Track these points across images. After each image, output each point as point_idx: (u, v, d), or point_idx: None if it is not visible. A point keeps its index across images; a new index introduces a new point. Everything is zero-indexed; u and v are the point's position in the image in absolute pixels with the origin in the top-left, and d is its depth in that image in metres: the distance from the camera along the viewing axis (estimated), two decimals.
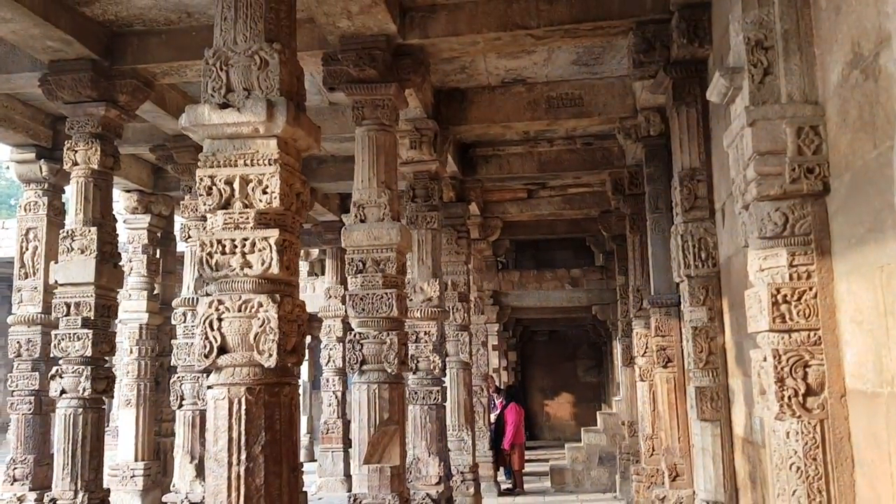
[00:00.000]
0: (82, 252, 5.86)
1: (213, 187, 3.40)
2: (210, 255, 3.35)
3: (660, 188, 7.19)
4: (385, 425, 5.41)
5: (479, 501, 9.31)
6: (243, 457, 3.21)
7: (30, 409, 7.63)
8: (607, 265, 13.40)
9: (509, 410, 11.85)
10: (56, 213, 8.15)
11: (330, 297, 11.86)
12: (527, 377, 19.11)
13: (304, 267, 15.90)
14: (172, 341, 8.09)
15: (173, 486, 7.53)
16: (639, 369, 8.86)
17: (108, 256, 5.98)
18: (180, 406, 7.53)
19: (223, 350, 3.30)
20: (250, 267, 3.33)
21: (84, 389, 5.70)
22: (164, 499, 7.62)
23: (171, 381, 7.62)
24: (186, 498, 7.35)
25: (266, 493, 3.20)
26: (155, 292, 10.10)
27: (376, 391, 5.45)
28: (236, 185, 3.39)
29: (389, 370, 5.45)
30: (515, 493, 11.16)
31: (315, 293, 12.74)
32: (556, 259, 16.64)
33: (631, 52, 5.49)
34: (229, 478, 3.19)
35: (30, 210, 8.01)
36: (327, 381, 11.79)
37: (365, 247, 5.55)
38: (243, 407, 3.24)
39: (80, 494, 5.61)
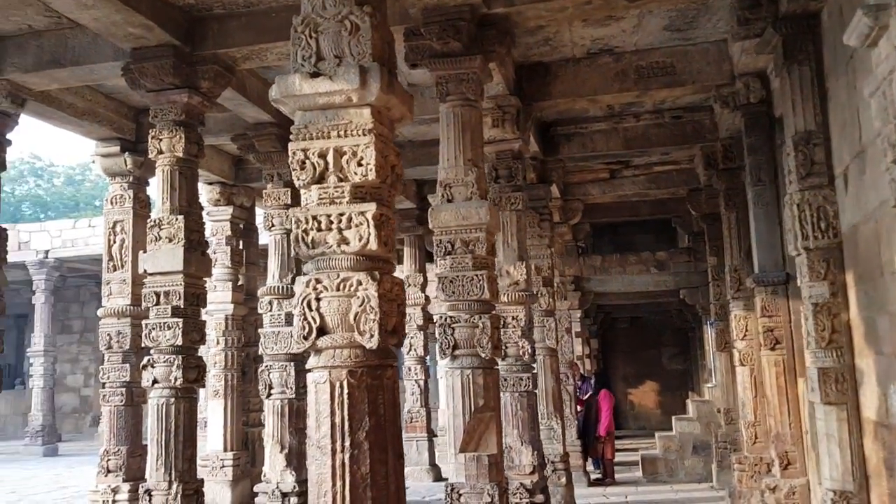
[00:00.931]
0: (170, 241, 5.81)
1: (307, 161, 3.21)
2: (306, 232, 3.17)
3: (761, 159, 6.76)
4: (480, 412, 5.19)
5: (571, 492, 9.02)
6: (347, 444, 3.02)
7: (121, 401, 7.71)
8: (695, 247, 12.86)
9: (603, 397, 11.49)
10: (142, 206, 8.21)
11: (409, 285, 11.72)
12: (609, 365, 18.63)
13: None
14: (259, 331, 8.05)
15: (264, 475, 7.49)
16: (738, 354, 8.40)
17: (195, 244, 5.92)
18: (269, 395, 7.48)
19: (322, 331, 3.12)
20: (347, 243, 3.13)
21: (175, 379, 5.66)
22: (255, 489, 7.59)
23: (259, 370, 7.57)
24: (277, 488, 7.30)
25: (372, 482, 3.01)
26: (239, 283, 10.13)
27: (470, 377, 5.23)
28: (330, 158, 3.20)
29: (483, 355, 5.22)
30: (606, 483, 10.82)
31: None
32: (637, 243, 16.14)
33: (735, 8, 5.11)
34: (333, 466, 3.01)
35: (116, 203, 8.09)
36: (409, 369, 11.67)
37: (453, 227, 5.33)
38: (345, 391, 3.05)
39: (175, 485, 5.57)
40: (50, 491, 12.04)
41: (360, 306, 3.09)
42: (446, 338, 5.27)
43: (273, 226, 7.78)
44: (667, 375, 19.30)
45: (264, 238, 12.55)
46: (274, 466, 7.42)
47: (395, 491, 3.08)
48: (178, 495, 5.55)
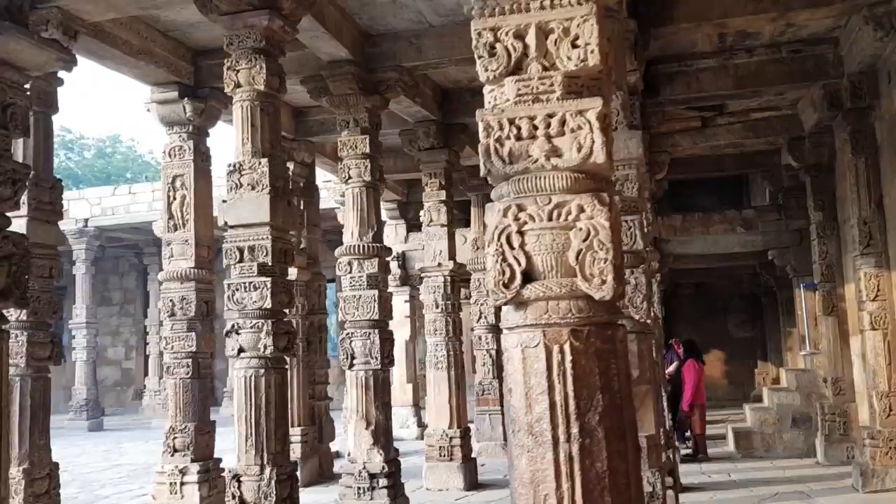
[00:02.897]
0: (253, 188, 5.00)
1: (497, 44, 2.35)
2: (499, 141, 2.32)
3: None
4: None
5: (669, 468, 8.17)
6: (575, 430, 2.19)
7: (188, 373, 7.01)
8: (786, 203, 11.84)
9: (687, 368, 10.61)
10: (203, 159, 7.43)
11: (477, 248, 10.86)
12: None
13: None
14: (339, 294, 7.26)
15: (348, 454, 6.75)
16: (869, 316, 7.48)
17: (281, 193, 5.11)
18: (351, 365, 6.69)
19: (529, 277, 2.27)
20: (560, 156, 2.27)
21: (265, 347, 4.88)
22: (337, 468, 6.85)
23: (340, 338, 6.79)
24: (364, 468, 6.53)
25: (611, 484, 2.18)
26: (301, 246, 9.34)
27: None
28: (531, 40, 2.33)
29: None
30: (699, 459, 9.97)
31: (463, 245, 11.73)
32: (697, 204, 15.09)
33: None
34: (556, 460, 2.18)
35: (174, 156, 7.31)
36: (480, 338, 10.87)
37: None
38: (567, 357, 2.21)
39: (268, 469, 4.81)
40: (103, 469, 11.45)
41: (583, 241, 2.23)
42: None
43: (350, 177, 6.93)
44: (734, 344, 18.32)
45: (325, 199, 11.80)
46: (360, 444, 6.66)
47: (636, 497, 2.24)
48: (272, 481, 4.79)
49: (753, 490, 7.94)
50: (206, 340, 7.20)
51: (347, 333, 6.77)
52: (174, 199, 7.24)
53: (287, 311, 5.17)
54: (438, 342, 8.66)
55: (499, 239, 2.30)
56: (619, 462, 2.21)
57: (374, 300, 6.69)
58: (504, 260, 2.28)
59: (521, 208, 2.28)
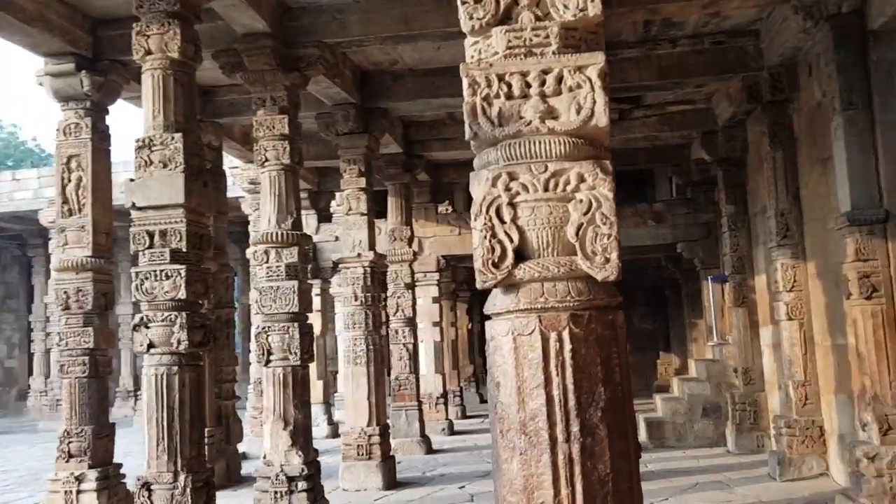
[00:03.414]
0: (165, 166, 4.52)
1: None
2: (487, 100, 2.03)
3: (854, 79, 5.84)
4: None
5: None
6: (575, 428, 1.92)
7: (84, 372, 6.41)
8: (695, 197, 12.05)
9: None
10: (101, 139, 6.80)
11: (395, 239, 10.54)
12: None
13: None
14: (254, 287, 6.80)
15: (264, 456, 6.30)
16: (786, 307, 7.60)
17: (196, 171, 4.64)
18: (268, 362, 6.24)
19: (521, 255, 1.99)
20: (556, 118, 2.01)
21: (178, 342, 4.41)
22: (246, 471, 6.40)
23: (256, 332, 6.33)
24: (282, 471, 6.11)
25: (614, 488, 1.93)
26: None
27: None
28: None
29: None
30: None
31: (379, 236, 11.36)
32: None
33: None
34: (554, 464, 1.91)
35: (69, 134, 6.66)
36: (397, 332, 10.53)
37: None
38: (567, 346, 1.94)
39: (182, 476, 4.35)
40: None
41: (584, 215, 1.97)
42: None
43: (267, 160, 6.47)
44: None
45: (230, 189, 11.18)
46: (277, 446, 6.23)
47: (638, 498, 2.00)
48: (187, 489, 4.33)
49: (672, 481, 7.95)
50: (105, 336, 6.61)
51: (264, 328, 6.32)
52: (69, 181, 6.60)
53: (202, 302, 4.71)
54: (357, 336, 8.29)
55: (487, 212, 2.01)
56: (623, 463, 1.96)
57: (294, 292, 6.27)
58: (493, 236, 2.00)
59: (512, 177, 2.00)
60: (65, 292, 6.41)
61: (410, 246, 10.62)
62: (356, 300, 8.39)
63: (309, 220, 12.70)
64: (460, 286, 16.50)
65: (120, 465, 6.70)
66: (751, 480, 7.70)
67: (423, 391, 11.79)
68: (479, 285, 2.02)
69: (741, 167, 9.73)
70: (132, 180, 4.56)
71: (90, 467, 6.34)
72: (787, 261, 7.62)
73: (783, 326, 7.73)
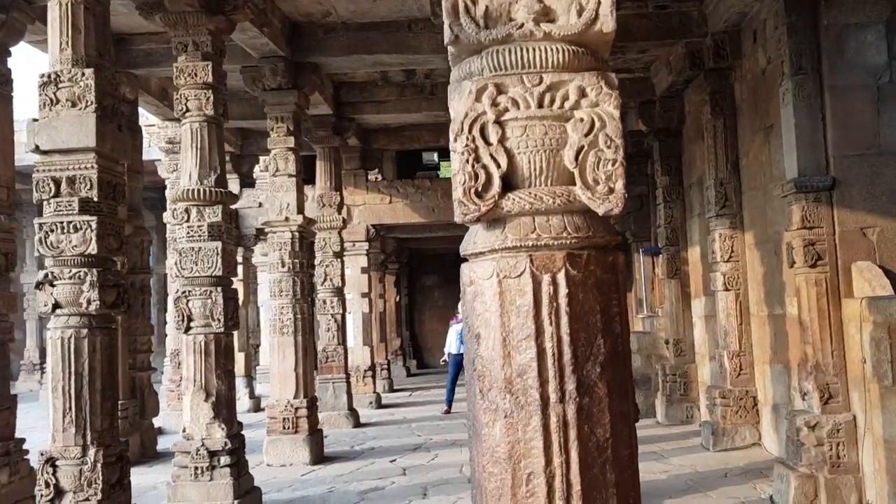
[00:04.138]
0: (74, 105, 4.02)
1: None
2: None
3: (804, 43, 5.73)
4: None
5: None
6: (571, 386, 1.63)
7: None
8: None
9: None
10: (3, 82, 6.17)
11: (324, 205, 10.10)
12: None
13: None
14: (171, 248, 6.31)
15: (183, 430, 5.85)
16: (723, 277, 7.56)
17: (110, 113, 4.15)
18: (188, 329, 5.78)
19: (509, 184, 1.68)
20: (553, 20, 1.69)
21: (89, 301, 3.94)
22: (172, 447, 5.94)
23: (175, 297, 5.85)
24: (203, 445, 5.68)
25: (614, 455, 1.65)
26: None
27: None
28: None
29: None
30: None
31: (307, 202, 10.88)
32: None
33: None
34: (546, 427, 1.62)
35: None
36: (324, 302, 10.12)
37: None
38: (562, 290, 1.65)
39: (92, 450, 3.91)
40: None
41: (585, 136, 1.67)
42: None
43: (188, 110, 5.95)
44: None
45: (148, 150, 10.52)
46: (197, 418, 5.78)
47: (636, 472, 1.72)
48: (98, 464, 3.90)
49: None
50: (5, 300, 6.02)
51: (184, 292, 5.84)
52: None
53: (115, 259, 4.23)
54: (284, 304, 7.86)
55: (470, 131, 1.68)
56: (623, 427, 1.69)
57: (217, 253, 5.81)
58: (477, 160, 1.67)
59: (500, 90, 1.68)
60: None
61: (340, 213, 10.21)
62: (283, 266, 7.96)
63: (231, 186, 12.10)
64: (389, 257, 16.14)
65: (22, 441, 6.14)
66: (684, 451, 7.67)
67: (351, 364, 11.44)
68: (458, 219, 1.70)
69: (677, 138, 9.68)
70: (35, 120, 4.04)
71: None
72: (725, 231, 7.57)
73: (719, 297, 7.69)
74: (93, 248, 3.95)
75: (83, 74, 4.02)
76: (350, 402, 10.22)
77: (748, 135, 7.34)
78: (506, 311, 1.66)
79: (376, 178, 13.25)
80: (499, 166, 1.67)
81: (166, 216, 8.70)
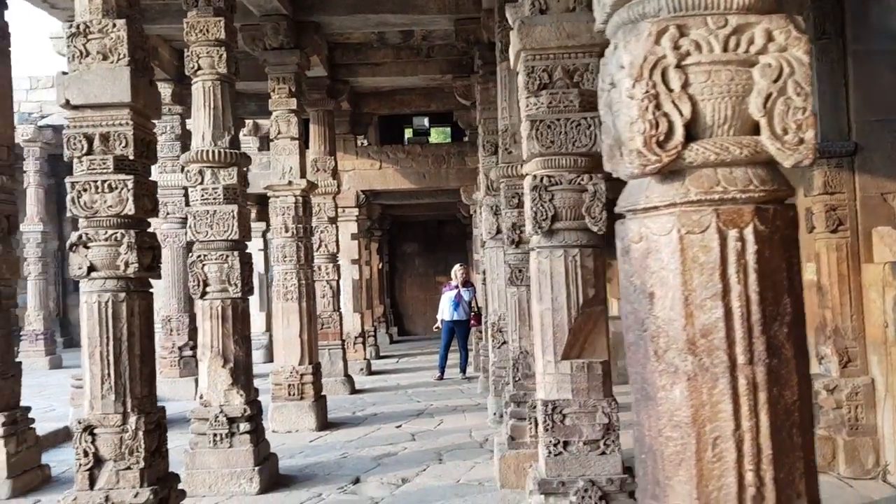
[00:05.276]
0: (105, 58, 3.81)
1: None
2: None
3: (827, 8, 5.69)
4: (589, 306, 3.82)
5: None
6: (760, 348, 1.56)
7: None
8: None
9: None
10: (0, 36, 5.86)
11: (317, 170, 9.90)
12: None
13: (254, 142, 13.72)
14: (186, 209, 6.14)
15: (201, 397, 5.73)
16: None
17: (141, 67, 3.95)
18: (204, 294, 5.62)
19: (691, 133, 1.59)
20: None
21: (126, 264, 3.78)
22: (189, 414, 5.81)
23: (190, 262, 5.67)
24: (222, 412, 5.56)
25: (800, 420, 1.59)
26: None
27: (577, 259, 3.82)
28: None
29: (594, 227, 3.82)
30: None
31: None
32: None
33: None
34: (734, 390, 1.55)
35: None
36: (320, 268, 9.97)
37: (553, 49, 3.80)
38: (750, 246, 1.57)
39: (133, 418, 3.78)
40: None
41: (773, 83, 1.57)
42: (542, 206, 3.81)
43: (200, 68, 5.73)
44: None
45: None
46: (215, 385, 5.65)
47: (812, 437, 1.67)
48: (139, 432, 3.77)
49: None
50: (9, 264, 5.80)
51: (199, 256, 5.68)
52: None
53: (149, 220, 4.06)
54: (288, 270, 7.71)
55: (650, 76, 1.58)
56: (806, 388, 1.62)
57: (233, 216, 5.65)
58: (658, 107, 1.57)
59: (682, 31, 1.58)
60: None
61: (335, 178, 10.02)
62: (286, 231, 7.79)
63: None
64: (374, 224, 15.98)
65: (28, 409, 5.98)
66: None
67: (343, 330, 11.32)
68: (628, 171, 1.60)
69: None
70: (65, 73, 3.83)
71: None
72: None
73: None
74: (130, 209, 3.78)
75: (114, 25, 3.81)
76: (346, 368, 10.14)
77: None
78: (688, 269, 1.58)
79: (363, 144, 13.04)
80: (682, 114, 1.57)
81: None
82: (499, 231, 7.96)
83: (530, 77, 3.81)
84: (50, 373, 13.37)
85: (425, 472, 5.97)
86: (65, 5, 7.08)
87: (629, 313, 1.71)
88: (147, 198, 3.94)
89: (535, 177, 3.83)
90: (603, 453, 3.78)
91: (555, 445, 3.76)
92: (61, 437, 7.35)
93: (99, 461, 3.78)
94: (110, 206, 3.79)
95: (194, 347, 9.83)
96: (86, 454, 3.75)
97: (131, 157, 3.82)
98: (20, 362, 6.01)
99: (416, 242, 21.11)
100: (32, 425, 5.98)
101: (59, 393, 10.55)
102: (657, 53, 1.58)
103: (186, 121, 9.84)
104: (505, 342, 7.80)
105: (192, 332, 9.85)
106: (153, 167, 4.41)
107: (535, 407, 5.49)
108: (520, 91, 3.94)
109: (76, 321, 17.81)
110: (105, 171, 3.79)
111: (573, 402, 3.78)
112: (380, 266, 18.03)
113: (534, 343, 5.65)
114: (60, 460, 6.53)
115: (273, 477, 5.81)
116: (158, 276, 4.00)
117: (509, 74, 5.75)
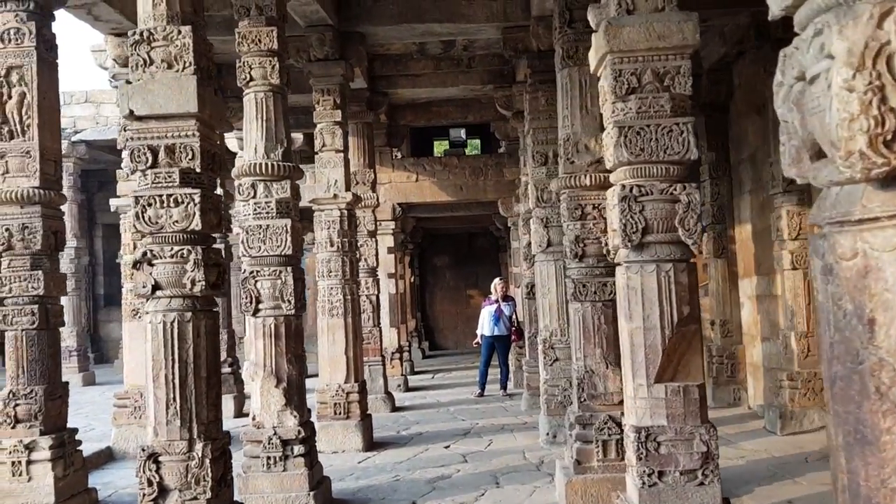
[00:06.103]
0: (170, 66, 3.64)
1: None
2: None
3: None
4: (684, 325, 3.58)
5: None
6: None
7: (33, 323, 5.46)
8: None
9: None
10: (48, 48, 5.72)
11: (357, 183, 9.72)
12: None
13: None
14: (234, 227, 5.95)
15: (253, 418, 5.53)
16: (791, 255, 7.30)
17: (206, 76, 3.78)
18: (256, 312, 5.44)
19: None
20: None
21: (193, 282, 3.59)
22: (241, 436, 5.61)
23: (243, 278, 5.49)
24: (275, 434, 5.36)
25: None
26: None
27: (670, 274, 3.58)
28: None
29: (689, 241, 3.59)
30: None
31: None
32: None
33: None
34: None
35: (8, 40, 5.55)
36: (361, 283, 9.77)
37: (641, 51, 3.59)
38: None
39: (199, 444, 3.58)
40: None
41: None
42: (632, 217, 3.58)
43: (252, 79, 5.57)
44: None
45: None
46: (268, 406, 5.46)
47: None
48: (206, 459, 3.57)
49: None
50: (56, 281, 5.64)
51: (252, 272, 5.49)
52: (9, 97, 5.52)
53: (215, 236, 3.88)
54: (333, 285, 7.51)
55: (874, 65, 1.35)
56: None
57: (286, 231, 5.46)
58: (883, 101, 1.35)
59: None
60: (7, 230, 5.40)
61: (374, 191, 9.84)
62: (332, 246, 7.60)
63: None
64: (408, 237, 15.81)
65: (75, 431, 5.80)
66: (749, 435, 7.45)
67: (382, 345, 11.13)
68: (843, 177, 1.38)
69: (724, 113, 9.40)
70: (128, 82, 3.66)
71: (42, 433, 5.41)
72: (793, 207, 7.31)
73: (787, 276, 7.44)
74: (196, 224, 3.60)
75: (180, 33, 3.64)
76: (386, 385, 9.93)
77: None
78: None
79: (398, 156, 12.88)
80: None
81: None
82: (549, 244, 7.76)
83: (617, 81, 3.60)
84: (84, 389, 13.26)
85: (484, 497, 5.73)
86: (109, 17, 6.95)
87: (836, 342, 1.48)
88: (213, 212, 3.76)
89: (623, 186, 3.61)
90: (701, 484, 3.52)
91: (649, 475, 3.51)
92: (104, 458, 7.19)
93: (164, 490, 3.58)
94: (176, 222, 3.61)
95: (232, 364, 9.68)
96: (150, 483, 3.56)
97: (198, 170, 3.65)
98: (67, 382, 5.84)
99: (447, 255, 20.90)
100: (80, 448, 5.81)
101: (95, 411, 10.40)
102: (880, 39, 1.35)
103: (224, 135, 9.71)
104: (557, 359, 7.56)
105: (231, 348, 9.68)
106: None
107: (601, 429, 5.29)
108: (604, 96, 3.72)
109: (106, 337, 17.79)
110: (171, 184, 3.61)
111: (668, 429, 3.53)
112: (411, 279, 17.84)
113: (606, 361, 5.42)
114: (105, 482, 6.36)
115: (327, 502, 5.60)
116: (225, 295, 3.80)
117: (571, 81, 5.55)
